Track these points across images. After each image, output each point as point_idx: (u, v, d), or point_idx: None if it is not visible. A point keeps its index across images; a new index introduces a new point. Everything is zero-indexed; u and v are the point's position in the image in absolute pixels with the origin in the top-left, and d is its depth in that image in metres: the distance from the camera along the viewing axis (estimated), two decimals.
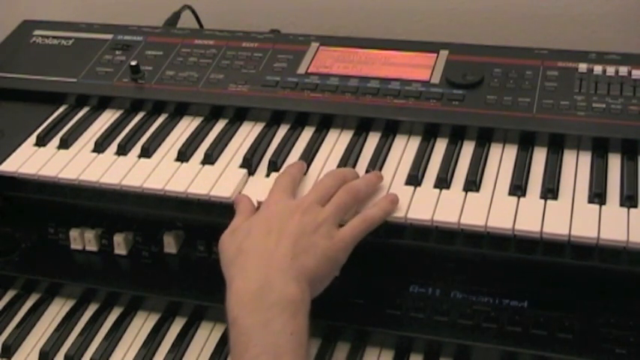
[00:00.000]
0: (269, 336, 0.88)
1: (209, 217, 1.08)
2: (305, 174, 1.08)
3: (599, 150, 1.07)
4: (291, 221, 0.96)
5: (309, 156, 1.11)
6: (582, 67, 1.17)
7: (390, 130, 1.15)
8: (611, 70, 1.16)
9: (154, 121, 1.23)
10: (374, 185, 1.04)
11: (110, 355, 1.10)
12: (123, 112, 1.25)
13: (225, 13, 1.61)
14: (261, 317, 0.89)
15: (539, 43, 1.26)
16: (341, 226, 0.99)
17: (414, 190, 1.04)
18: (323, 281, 0.97)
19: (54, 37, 1.38)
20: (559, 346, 0.98)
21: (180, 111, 1.24)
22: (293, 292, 0.91)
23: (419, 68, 1.21)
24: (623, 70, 1.16)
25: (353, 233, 0.98)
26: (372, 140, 1.14)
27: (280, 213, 0.98)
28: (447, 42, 1.25)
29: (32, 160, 1.16)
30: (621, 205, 0.99)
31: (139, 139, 1.19)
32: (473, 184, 1.03)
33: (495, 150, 1.10)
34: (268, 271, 0.92)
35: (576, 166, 1.05)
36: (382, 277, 1.09)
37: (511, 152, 1.09)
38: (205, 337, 1.11)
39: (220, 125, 1.20)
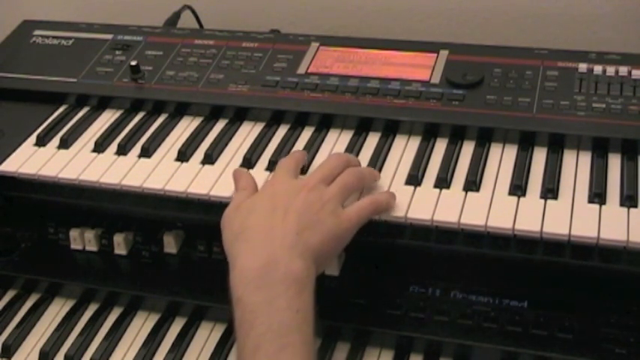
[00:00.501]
0: (275, 313, 0.87)
1: (209, 217, 1.08)
2: (306, 173, 1.08)
3: (599, 150, 1.07)
4: (296, 199, 0.96)
5: (309, 156, 1.11)
6: (582, 67, 1.17)
7: (390, 130, 1.15)
8: (611, 70, 1.16)
9: (154, 121, 1.23)
10: (376, 177, 1.04)
11: (110, 355, 1.10)
12: (123, 112, 1.25)
13: (225, 13, 1.61)
14: (266, 295, 0.88)
15: (539, 43, 1.26)
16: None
17: (414, 190, 1.04)
18: (327, 259, 0.96)
19: (54, 37, 1.38)
20: (559, 346, 0.98)
21: (180, 111, 1.24)
22: (298, 269, 0.90)
23: (419, 68, 1.21)
24: (623, 70, 1.16)
25: (359, 213, 0.97)
26: (372, 140, 1.14)
27: (286, 190, 0.97)
28: (447, 42, 1.25)
29: (32, 160, 1.16)
30: (621, 205, 0.99)
31: (139, 139, 1.19)
32: (473, 184, 1.03)
33: (495, 150, 1.10)
34: (273, 247, 0.91)
35: (576, 166, 1.05)
36: (382, 277, 1.09)
37: (511, 152, 1.09)
38: (205, 337, 1.11)
39: (220, 125, 1.20)
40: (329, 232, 0.94)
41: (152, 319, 1.14)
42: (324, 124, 1.17)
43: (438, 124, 1.13)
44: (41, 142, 1.20)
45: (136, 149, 1.17)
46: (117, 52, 1.33)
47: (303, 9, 1.57)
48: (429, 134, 1.13)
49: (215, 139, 1.16)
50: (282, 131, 1.17)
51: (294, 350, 0.86)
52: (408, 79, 1.19)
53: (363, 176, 1.02)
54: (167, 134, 1.20)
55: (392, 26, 1.53)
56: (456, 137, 1.12)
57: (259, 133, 1.17)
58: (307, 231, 0.93)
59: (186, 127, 1.21)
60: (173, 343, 1.10)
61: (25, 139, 1.21)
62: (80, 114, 1.26)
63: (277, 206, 0.95)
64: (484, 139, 1.11)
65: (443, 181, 1.04)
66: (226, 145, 1.16)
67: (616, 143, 1.07)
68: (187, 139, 1.17)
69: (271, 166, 1.10)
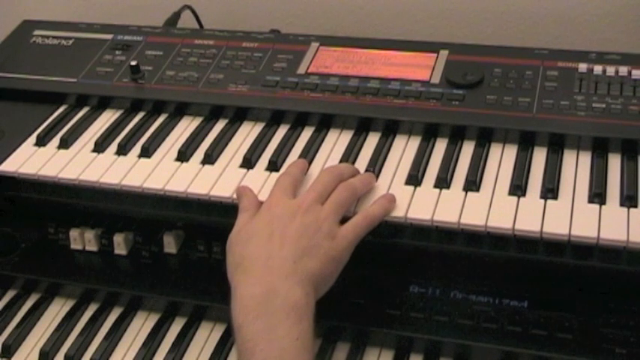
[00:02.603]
0: (275, 341, 0.88)
1: (209, 217, 1.08)
2: (305, 174, 1.08)
3: (599, 150, 1.07)
4: (292, 223, 0.96)
5: (308, 156, 1.11)
6: (582, 67, 1.17)
7: (390, 130, 1.15)
8: (611, 70, 1.16)
9: (154, 121, 1.23)
10: (369, 184, 1.04)
11: (110, 355, 1.10)
12: (123, 112, 1.25)
13: (225, 13, 1.61)
14: (266, 323, 0.89)
15: (539, 43, 1.26)
16: (342, 223, 0.99)
17: (414, 190, 1.04)
18: (327, 282, 0.97)
19: (54, 37, 1.38)
20: (559, 346, 0.98)
21: (180, 111, 1.24)
22: (297, 297, 0.91)
23: (419, 68, 1.21)
24: (623, 70, 1.16)
25: (355, 231, 0.98)
26: (372, 140, 1.14)
27: (281, 215, 0.98)
28: (447, 42, 1.25)
29: (32, 160, 1.16)
30: (621, 205, 0.99)
31: (139, 139, 1.19)
32: (473, 184, 1.03)
33: (495, 150, 1.10)
34: (272, 276, 0.92)
35: (576, 166, 1.05)
36: (382, 277, 1.09)
37: (511, 152, 1.09)
38: (205, 337, 1.11)
39: (220, 125, 1.20)
40: (326, 256, 0.95)
41: (152, 319, 1.14)
42: (324, 124, 1.17)
43: (438, 124, 1.13)
44: (41, 142, 1.20)
45: (136, 149, 1.17)
46: (117, 52, 1.33)
47: (303, 9, 1.58)
48: (429, 134, 1.13)
49: (215, 139, 1.16)
50: (282, 131, 1.17)
51: None
52: (408, 79, 1.19)
53: (355, 189, 1.02)
54: (167, 134, 1.20)
55: (392, 26, 1.54)
56: (456, 137, 1.12)
57: (259, 133, 1.17)
58: (305, 258, 0.94)
59: (186, 127, 1.21)
60: (173, 343, 1.10)
61: (25, 139, 1.21)
62: (80, 114, 1.26)
63: (274, 233, 0.96)
64: (484, 139, 1.11)
65: (443, 181, 1.04)
66: (226, 145, 1.16)
67: (616, 143, 1.07)
68: (187, 139, 1.17)
69: (271, 166, 1.10)
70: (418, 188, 1.04)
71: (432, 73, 1.19)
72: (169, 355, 1.09)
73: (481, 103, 1.13)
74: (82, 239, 1.20)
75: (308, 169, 1.09)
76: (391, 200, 1.01)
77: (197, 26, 1.54)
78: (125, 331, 1.13)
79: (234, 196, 1.06)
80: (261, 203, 1.03)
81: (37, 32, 1.40)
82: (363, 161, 1.10)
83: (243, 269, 0.95)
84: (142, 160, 1.15)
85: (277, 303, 0.90)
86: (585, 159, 1.06)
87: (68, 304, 1.18)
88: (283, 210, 0.99)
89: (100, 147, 1.18)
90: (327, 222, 0.97)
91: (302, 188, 1.05)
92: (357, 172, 1.06)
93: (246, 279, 0.94)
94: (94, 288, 1.17)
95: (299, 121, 1.18)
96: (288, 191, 1.02)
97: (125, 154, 1.16)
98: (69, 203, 1.16)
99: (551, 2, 1.45)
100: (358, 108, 1.16)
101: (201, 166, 1.12)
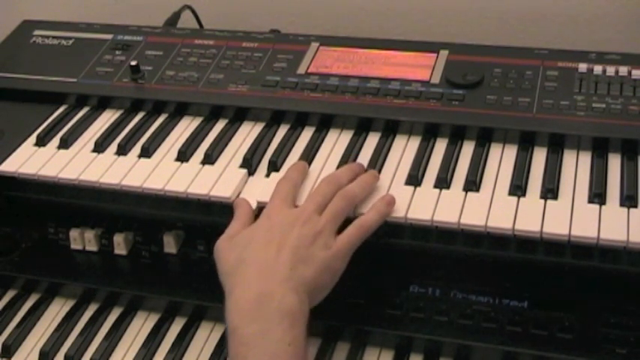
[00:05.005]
0: (268, 346, 0.89)
1: (209, 217, 1.08)
2: (305, 176, 1.08)
3: (599, 150, 1.07)
4: (291, 233, 0.97)
5: (309, 156, 1.11)
6: (582, 67, 1.17)
7: (390, 130, 1.15)
8: (611, 70, 1.16)
9: (154, 121, 1.23)
10: (370, 187, 1.04)
11: (110, 355, 1.10)
12: (123, 112, 1.25)
13: (225, 13, 1.61)
14: (260, 327, 0.90)
15: (539, 43, 1.26)
16: (339, 232, 0.99)
17: (414, 190, 1.04)
18: (322, 291, 0.98)
19: (54, 37, 1.38)
20: (559, 346, 0.98)
21: (180, 111, 1.24)
22: (292, 302, 0.91)
23: (419, 68, 1.21)
24: (623, 70, 1.16)
25: (350, 241, 0.98)
26: (372, 140, 1.14)
27: (281, 224, 0.98)
28: (447, 42, 1.25)
29: (32, 160, 1.16)
30: (621, 205, 0.99)
31: (139, 139, 1.19)
32: (473, 184, 1.03)
33: (495, 150, 1.10)
34: (268, 281, 0.93)
35: (576, 166, 1.05)
36: (382, 277, 1.09)
37: (511, 152, 1.09)
38: (205, 337, 1.11)
39: (220, 125, 1.20)
40: (321, 265, 0.96)
41: (152, 319, 1.14)
42: (324, 124, 1.17)
43: (438, 124, 1.13)
44: (41, 142, 1.20)
45: (136, 149, 1.17)
46: (117, 52, 1.33)
47: (303, 9, 1.58)
48: (429, 134, 1.13)
49: (215, 139, 1.16)
50: (282, 131, 1.17)
51: None
52: (408, 79, 1.19)
53: (354, 197, 1.02)
54: (167, 134, 1.20)
55: (392, 26, 1.54)
56: (456, 137, 1.12)
57: (259, 133, 1.17)
58: (301, 266, 0.94)
59: (186, 127, 1.21)
60: (173, 343, 1.10)
61: (25, 139, 1.21)
62: (80, 114, 1.26)
63: (272, 240, 0.97)
64: (484, 139, 1.11)
65: (443, 181, 1.04)
66: (226, 145, 1.16)
67: (616, 143, 1.07)
68: (187, 139, 1.17)
69: (271, 167, 1.10)
70: (418, 188, 1.04)
71: (432, 73, 1.19)
72: (169, 355, 1.09)
73: (481, 103, 1.13)
74: (82, 239, 1.20)
75: (308, 170, 1.09)
76: (389, 203, 1.01)
77: (197, 26, 1.54)
78: (125, 331, 1.13)
79: (234, 202, 1.06)
80: (256, 215, 1.03)
81: (37, 32, 1.40)
82: (363, 161, 1.09)
83: (239, 272, 0.95)
84: (142, 160, 1.15)
85: (272, 307, 0.91)
86: (585, 159, 1.06)
87: (68, 304, 1.18)
88: (282, 219, 0.99)
89: (100, 147, 1.18)
90: (323, 233, 0.97)
91: (302, 194, 1.04)
92: (356, 175, 1.05)
93: (242, 282, 0.94)
94: (94, 288, 1.17)
95: (299, 121, 1.18)
96: (287, 199, 1.02)
97: (125, 154, 1.16)
98: (69, 203, 1.16)
99: (551, 2, 1.45)
100: (358, 108, 1.16)
101: (201, 166, 1.12)
